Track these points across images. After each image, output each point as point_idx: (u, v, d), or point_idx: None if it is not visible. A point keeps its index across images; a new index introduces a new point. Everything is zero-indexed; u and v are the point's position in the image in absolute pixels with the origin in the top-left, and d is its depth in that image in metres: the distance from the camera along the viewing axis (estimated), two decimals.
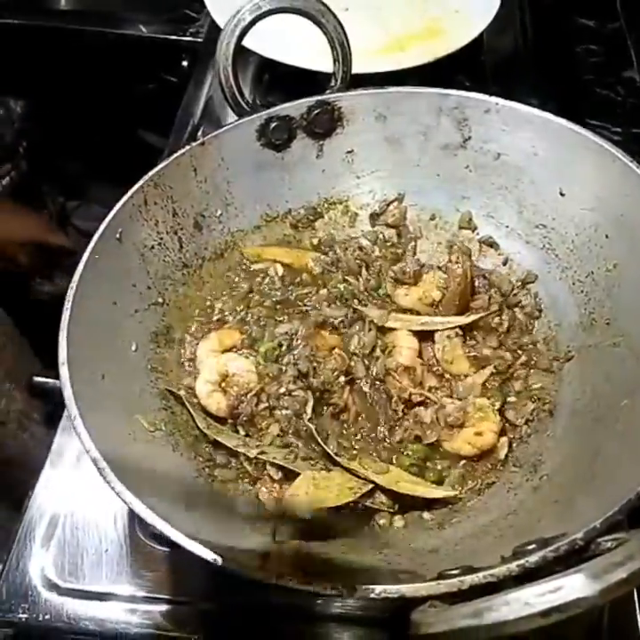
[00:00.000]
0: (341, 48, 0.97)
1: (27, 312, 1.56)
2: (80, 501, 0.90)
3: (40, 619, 0.83)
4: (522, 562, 0.52)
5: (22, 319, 1.55)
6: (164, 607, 0.83)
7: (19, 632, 0.84)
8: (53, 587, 0.84)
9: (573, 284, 0.90)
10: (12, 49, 1.70)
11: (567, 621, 0.76)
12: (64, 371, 0.71)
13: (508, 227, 0.97)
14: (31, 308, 1.58)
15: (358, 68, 1.03)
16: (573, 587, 0.42)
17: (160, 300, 0.90)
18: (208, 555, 0.58)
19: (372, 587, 0.54)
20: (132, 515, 0.89)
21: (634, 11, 1.58)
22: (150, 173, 0.89)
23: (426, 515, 0.78)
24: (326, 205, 1.04)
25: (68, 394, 0.69)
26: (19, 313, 1.55)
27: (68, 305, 0.76)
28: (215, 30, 1.38)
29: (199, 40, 1.60)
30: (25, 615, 0.83)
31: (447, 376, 0.89)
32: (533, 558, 0.53)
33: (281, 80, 1.37)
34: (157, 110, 1.48)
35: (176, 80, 1.62)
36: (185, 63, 1.60)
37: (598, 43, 1.53)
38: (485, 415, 0.84)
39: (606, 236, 0.86)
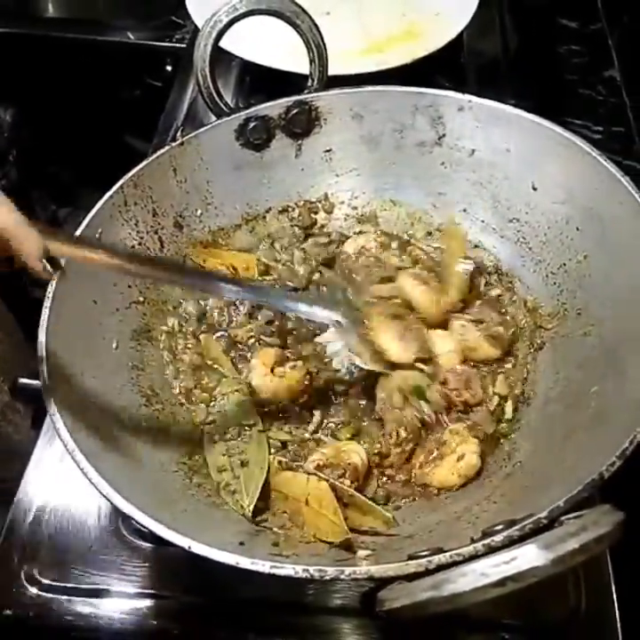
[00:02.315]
0: (317, 49, 0.98)
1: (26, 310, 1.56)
2: (65, 499, 0.91)
3: (26, 616, 0.83)
4: (487, 541, 0.53)
5: (21, 316, 1.55)
6: (149, 602, 0.84)
7: (4, 629, 0.84)
8: (38, 584, 0.84)
9: (546, 276, 0.91)
10: None
11: (547, 604, 0.79)
12: (42, 368, 0.72)
13: (483, 221, 0.99)
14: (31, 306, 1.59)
15: (339, 69, 1.05)
16: (527, 556, 0.44)
17: (141, 298, 0.91)
18: (181, 541, 0.59)
19: (341, 568, 0.55)
20: (116, 511, 0.90)
21: (615, 11, 1.60)
22: (130, 174, 0.91)
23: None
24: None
25: (46, 390, 0.70)
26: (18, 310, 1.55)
27: (47, 303, 0.77)
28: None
29: (183, 45, 1.61)
30: (10, 612, 0.83)
31: None
32: (499, 537, 0.54)
33: (263, 82, 1.38)
34: (144, 116, 1.49)
35: (161, 85, 1.63)
36: (168, 68, 1.61)
37: (580, 43, 1.54)
38: (463, 438, 0.81)
39: (577, 229, 0.87)
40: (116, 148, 1.83)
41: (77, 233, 0.83)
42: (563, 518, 0.54)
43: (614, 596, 0.80)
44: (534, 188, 0.92)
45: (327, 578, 0.55)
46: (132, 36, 1.66)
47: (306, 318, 0.87)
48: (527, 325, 0.92)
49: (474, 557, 0.53)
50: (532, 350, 0.89)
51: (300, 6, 0.96)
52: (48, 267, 0.68)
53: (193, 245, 0.98)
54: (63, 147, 1.88)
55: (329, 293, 0.90)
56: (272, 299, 0.85)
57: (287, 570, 0.56)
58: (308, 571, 0.55)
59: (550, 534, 0.45)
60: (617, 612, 0.80)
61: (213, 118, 1.00)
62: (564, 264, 0.88)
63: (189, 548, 0.58)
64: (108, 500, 0.62)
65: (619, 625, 0.79)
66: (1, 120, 1.86)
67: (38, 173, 1.94)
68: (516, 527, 0.55)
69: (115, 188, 0.89)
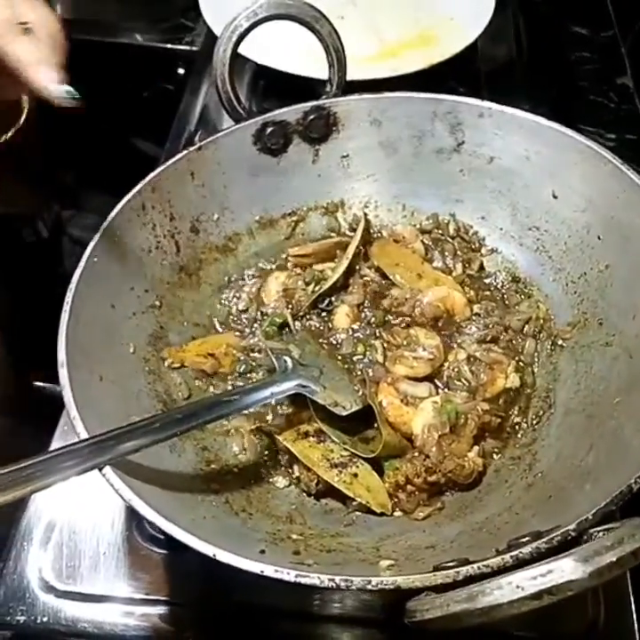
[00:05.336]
0: (336, 53, 0.98)
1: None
2: (77, 504, 0.91)
3: (38, 621, 0.83)
4: (515, 553, 0.53)
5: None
6: (161, 609, 0.83)
7: (16, 634, 0.84)
8: (51, 589, 0.84)
9: (567, 285, 0.91)
10: None
11: (566, 617, 0.78)
12: (63, 372, 0.71)
13: (501, 229, 0.99)
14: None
15: (353, 74, 1.05)
16: (564, 570, 0.43)
17: (157, 303, 0.91)
18: (206, 549, 0.58)
19: (368, 578, 0.55)
20: (130, 517, 0.90)
21: (627, 19, 1.60)
22: (148, 178, 0.90)
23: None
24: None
25: (67, 395, 0.70)
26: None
27: (66, 307, 0.76)
28: (211, 39, 1.39)
29: (195, 48, 1.61)
30: (23, 617, 0.83)
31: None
32: (527, 549, 0.53)
33: (276, 87, 1.38)
34: (152, 119, 1.49)
35: (172, 88, 1.63)
36: (181, 71, 1.61)
37: (592, 50, 1.54)
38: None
39: (598, 238, 0.87)
40: (123, 151, 1.82)
41: (97, 236, 0.83)
42: (591, 531, 0.53)
43: (633, 609, 0.80)
44: (554, 197, 0.92)
45: (353, 587, 0.55)
46: (140, 38, 1.66)
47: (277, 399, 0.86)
48: (545, 335, 0.92)
49: (502, 569, 0.52)
50: (551, 360, 0.89)
51: (319, 11, 0.96)
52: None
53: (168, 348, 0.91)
54: (69, 148, 1.88)
55: (278, 363, 0.87)
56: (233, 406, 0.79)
57: (312, 579, 0.55)
58: (333, 580, 0.55)
59: (587, 547, 0.44)
60: (636, 625, 0.79)
61: (226, 123, 1.00)
62: (585, 273, 0.88)
63: (214, 555, 0.58)
64: (132, 506, 0.62)
65: (637, 638, 0.79)
66: None
67: (43, 175, 1.94)
68: (544, 539, 0.54)
69: (133, 192, 0.89)
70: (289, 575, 0.56)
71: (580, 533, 0.54)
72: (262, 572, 0.56)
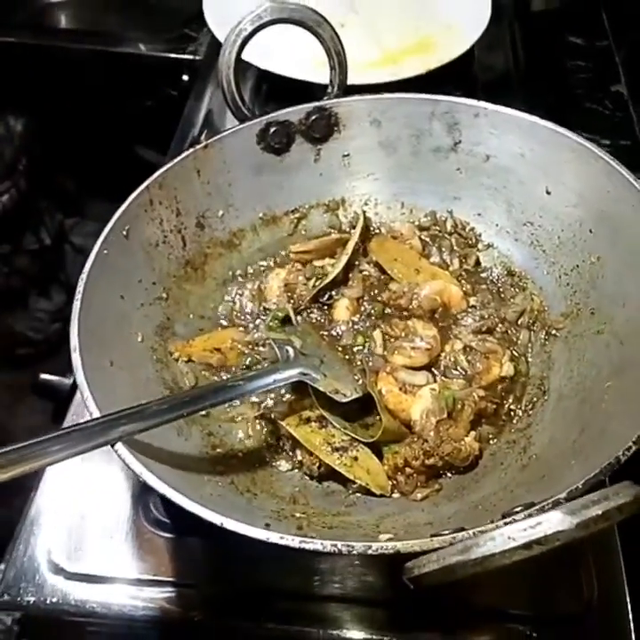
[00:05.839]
0: (337, 57, 1.01)
1: None
2: (86, 489, 0.93)
3: (47, 602, 0.84)
4: (509, 520, 0.55)
5: None
6: (168, 590, 0.85)
7: (26, 615, 0.85)
8: (60, 571, 0.86)
9: (560, 277, 0.94)
10: (12, 67, 1.72)
11: (562, 596, 0.81)
12: (76, 356, 0.74)
13: (497, 225, 1.02)
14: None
15: (353, 79, 1.08)
16: (552, 521, 0.46)
17: (164, 295, 0.94)
18: (214, 518, 0.61)
19: (369, 544, 0.57)
20: (136, 502, 0.92)
21: (621, 29, 1.63)
22: (156, 174, 0.94)
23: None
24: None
25: (80, 377, 0.72)
26: None
27: (78, 296, 0.79)
28: (215, 47, 1.42)
29: (198, 58, 1.64)
30: (32, 598, 0.85)
31: None
32: (519, 517, 0.55)
33: (278, 91, 1.42)
34: (155, 127, 1.51)
35: (176, 94, 1.66)
36: (185, 77, 1.63)
37: (587, 59, 1.57)
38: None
39: (590, 231, 0.90)
40: (125, 159, 1.85)
41: (106, 230, 0.86)
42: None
43: (626, 590, 0.83)
44: (548, 193, 0.95)
45: (354, 553, 0.57)
46: (144, 48, 1.69)
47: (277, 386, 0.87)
48: (539, 325, 0.94)
49: None
50: (545, 349, 0.92)
51: (321, 16, 0.99)
52: None
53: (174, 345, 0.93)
54: (73, 157, 1.91)
55: (280, 353, 0.89)
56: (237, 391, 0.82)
57: (316, 545, 0.58)
58: (336, 545, 0.58)
59: (574, 502, 0.47)
60: (629, 604, 0.82)
61: (229, 126, 1.03)
62: (578, 266, 0.91)
63: (222, 524, 0.60)
64: (142, 479, 0.64)
65: (630, 616, 0.81)
66: (12, 129, 1.88)
67: (47, 183, 1.97)
68: (536, 508, 0.57)
69: (141, 187, 0.91)
70: (293, 542, 0.59)
71: (569, 501, 0.56)
72: (268, 539, 0.59)
